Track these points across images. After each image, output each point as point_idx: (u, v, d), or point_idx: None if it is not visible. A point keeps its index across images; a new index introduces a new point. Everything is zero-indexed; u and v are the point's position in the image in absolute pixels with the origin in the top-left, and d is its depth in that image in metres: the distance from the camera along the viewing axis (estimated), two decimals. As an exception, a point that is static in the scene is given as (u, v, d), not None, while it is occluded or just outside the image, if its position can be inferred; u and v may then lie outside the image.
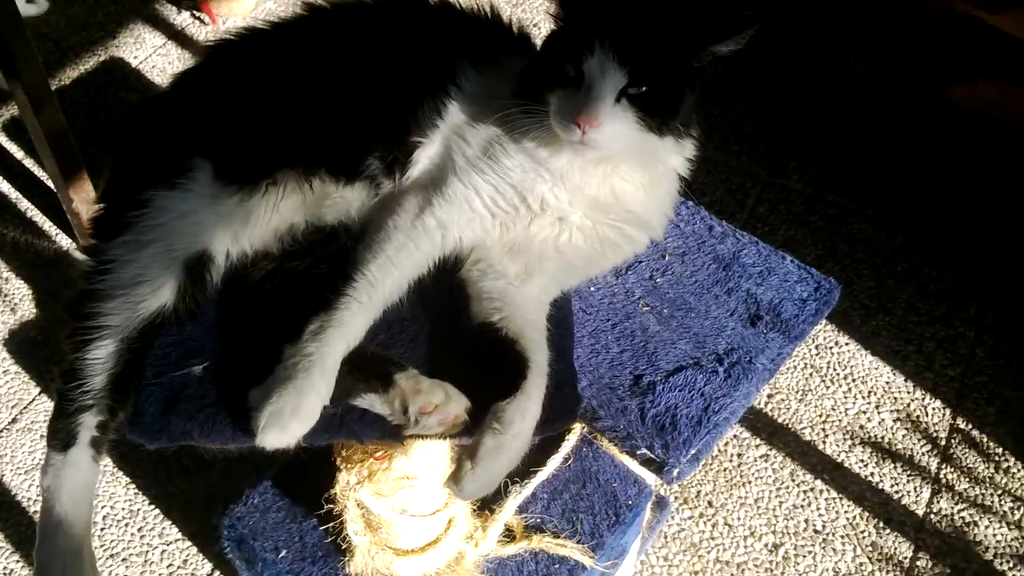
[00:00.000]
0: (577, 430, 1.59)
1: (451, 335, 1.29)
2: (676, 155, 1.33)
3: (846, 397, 2.30)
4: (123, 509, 2.16)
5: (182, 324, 1.29)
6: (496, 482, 1.15)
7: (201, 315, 1.31)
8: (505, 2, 3.27)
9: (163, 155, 1.31)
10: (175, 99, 1.44)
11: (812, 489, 2.15)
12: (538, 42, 1.41)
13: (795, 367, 2.35)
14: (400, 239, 1.25)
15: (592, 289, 1.52)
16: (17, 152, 2.91)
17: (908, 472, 2.17)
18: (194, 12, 3.28)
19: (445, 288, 1.31)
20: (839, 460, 2.20)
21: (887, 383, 2.31)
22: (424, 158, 1.32)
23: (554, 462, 1.57)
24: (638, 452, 1.37)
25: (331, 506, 1.48)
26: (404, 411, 1.15)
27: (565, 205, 1.29)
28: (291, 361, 1.12)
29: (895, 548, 2.06)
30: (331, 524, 1.54)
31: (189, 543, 2.11)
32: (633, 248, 1.40)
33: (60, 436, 1.24)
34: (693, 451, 1.36)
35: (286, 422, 1.08)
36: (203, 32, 3.27)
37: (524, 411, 1.14)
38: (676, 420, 1.37)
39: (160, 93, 1.52)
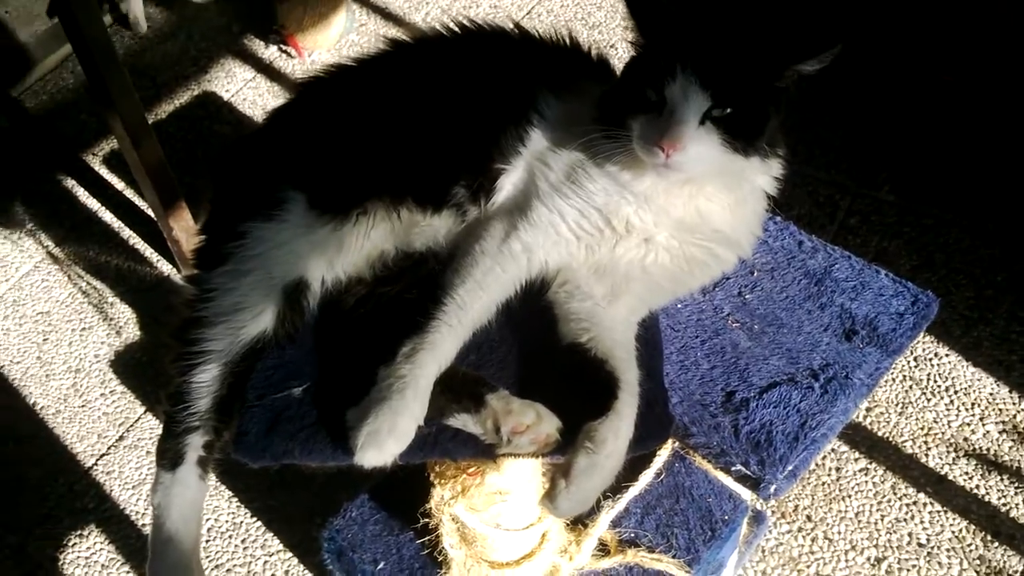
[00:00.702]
0: (669, 446, 1.58)
1: (541, 356, 1.30)
2: (762, 174, 1.32)
3: (948, 409, 2.24)
4: (227, 522, 2.22)
5: (282, 348, 1.33)
6: (591, 500, 1.16)
7: (299, 339, 1.34)
8: (582, 25, 3.28)
9: (259, 188, 1.36)
10: (269, 135, 1.49)
11: (915, 502, 2.10)
12: (616, 65, 1.42)
13: (894, 379, 2.29)
14: (487, 263, 1.26)
15: (679, 306, 1.52)
16: (118, 183, 3.02)
17: (1016, 484, 2.09)
18: (281, 46, 3.37)
19: (534, 310, 1.32)
20: (943, 473, 2.14)
21: (991, 394, 2.24)
22: (508, 184, 1.33)
23: (646, 477, 1.57)
24: (733, 468, 1.37)
25: (427, 520, 1.50)
26: (496, 431, 1.16)
27: (650, 226, 1.29)
28: (386, 383, 1.14)
29: (1004, 562, 1.99)
30: (427, 537, 1.56)
31: (291, 554, 2.17)
32: (721, 267, 1.38)
33: (168, 456, 1.29)
34: (790, 467, 1.35)
35: (383, 441, 1.11)
36: (290, 65, 3.35)
37: (616, 430, 1.14)
38: (772, 436, 1.36)
39: (255, 130, 1.57)
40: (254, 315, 1.27)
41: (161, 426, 1.32)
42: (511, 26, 1.46)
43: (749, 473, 1.36)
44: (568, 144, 1.31)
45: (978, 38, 2.77)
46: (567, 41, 1.45)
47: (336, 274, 1.31)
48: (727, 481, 1.65)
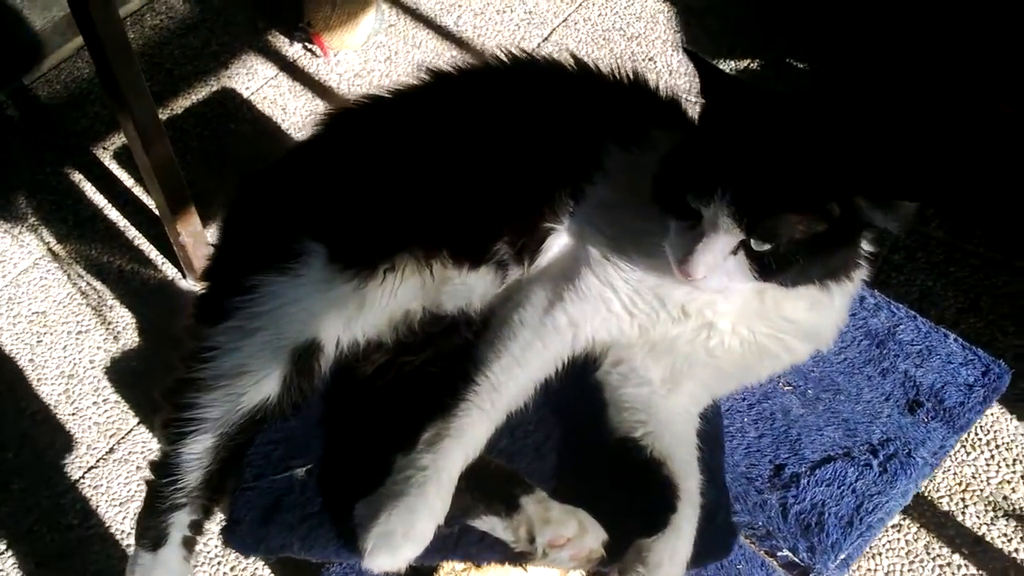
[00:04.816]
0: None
1: (583, 445, 1.18)
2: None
3: (988, 465, 2.12)
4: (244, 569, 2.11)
5: (285, 418, 1.21)
6: None
7: (306, 409, 1.22)
8: (620, 36, 3.14)
9: (273, 237, 1.22)
10: (288, 175, 1.34)
11: (949, 564, 1.98)
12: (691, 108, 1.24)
13: (934, 431, 2.18)
14: (527, 336, 1.13)
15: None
16: (127, 180, 2.92)
17: (1059, 550, 1.99)
18: (306, 44, 3.28)
19: (576, 390, 1.18)
20: (980, 533, 2.02)
21: (1035, 452, 2.13)
22: (557, 246, 1.19)
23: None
24: (779, 554, 1.27)
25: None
26: (531, 540, 1.04)
27: (708, 315, 1.13)
28: (403, 475, 1.02)
29: (1042, 632, 1.90)
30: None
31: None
32: (794, 359, 1.21)
33: (150, 535, 1.18)
34: (842, 556, 1.25)
35: (396, 545, 0.99)
36: (315, 64, 3.26)
37: (674, 551, 1.01)
38: (823, 519, 1.26)
39: (274, 164, 1.41)
40: (257, 380, 1.14)
41: (147, 497, 1.20)
42: (568, 58, 1.30)
43: (797, 560, 1.25)
44: (626, 209, 1.15)
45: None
46: (631, 77, 1.28)
47: (354, 335, 1.18)
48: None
